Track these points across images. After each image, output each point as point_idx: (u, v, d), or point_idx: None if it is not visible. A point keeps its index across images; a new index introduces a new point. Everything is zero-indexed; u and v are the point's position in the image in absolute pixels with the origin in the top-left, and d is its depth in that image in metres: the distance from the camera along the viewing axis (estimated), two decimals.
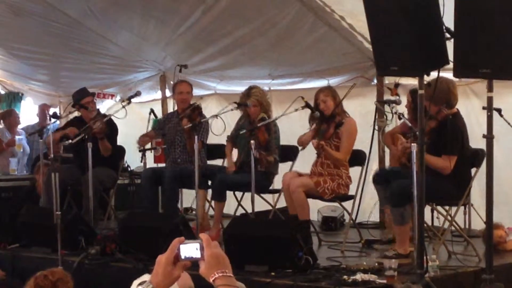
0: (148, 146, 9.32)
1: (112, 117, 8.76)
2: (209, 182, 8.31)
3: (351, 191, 7.61)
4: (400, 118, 6.73)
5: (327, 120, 7.56)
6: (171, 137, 8.72)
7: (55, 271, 4.37)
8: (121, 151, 9.50)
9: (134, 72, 11.30)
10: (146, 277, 2.45)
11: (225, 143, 8.46)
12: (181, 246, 2.21)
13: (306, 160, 8.07)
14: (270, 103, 8.41)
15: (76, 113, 9.44)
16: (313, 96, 7.69)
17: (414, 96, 6.73)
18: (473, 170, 6.96)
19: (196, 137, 7.57)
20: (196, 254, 2.19)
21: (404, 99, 7.12)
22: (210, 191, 8.35)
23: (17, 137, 11.21)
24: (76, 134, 8.66)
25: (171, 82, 10.06)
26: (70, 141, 8.37)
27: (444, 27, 5.52)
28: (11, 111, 11.98)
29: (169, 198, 8.42)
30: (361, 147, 7.80)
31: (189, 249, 2.20)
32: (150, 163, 9.50)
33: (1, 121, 11.63)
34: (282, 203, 7.89)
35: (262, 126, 7.85)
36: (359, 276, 5.70)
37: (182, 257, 2.21)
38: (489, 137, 5.60)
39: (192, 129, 7.74)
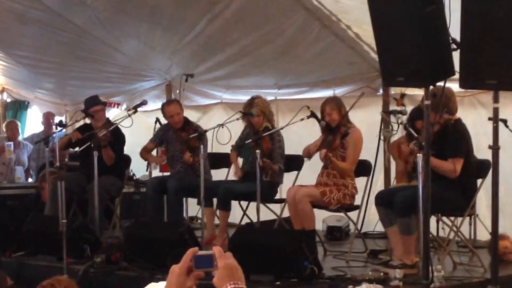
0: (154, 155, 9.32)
1: (119, 126, 8.77)
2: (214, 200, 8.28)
3: (357, 201, 7.60)
4: (405, 129, 6.72)
5: (333, 131, 7.56)
6: (171, 152, 8.72)
7: (61, 279, 4.34)
8: (126, 159, 9.50)
9: (140, 81, 11.31)
10: (152, 285, 2.44)
11: (230, 152, 8.46)
12: (195, 257, 2.20)
13: (311, 170, 8.05)
14: (273, 113, 8.42)
15: (87, 120, 9.43)
16: (319, 106, 7.70)
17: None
18: (479, 181, 6.95)
19: (202, 146, 7.62)
20: (210, 264, 2.19)
21: (409, 109, 7.09)
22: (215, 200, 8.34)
23: (6, 143, 11.24)
24: (79, 139, 8.68)
25: (177, 91, 10.07)
26: (76, 149, 8.37)
27: (450, 38, 5.53)
28: (13, 122, 12.08)
29: (174, 207, 8.42)
30: (367, 157, 7.79)
31: (203, 260, 2.20)
32: (156, 172, 9.51)
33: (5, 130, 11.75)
34: (287, 213, 7.87)
35: (267, 136, 7.87)
36: (364, 286, 5.70)
37: (196, 267, 2.21)
38: (495, 147, 5.61)
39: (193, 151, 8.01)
